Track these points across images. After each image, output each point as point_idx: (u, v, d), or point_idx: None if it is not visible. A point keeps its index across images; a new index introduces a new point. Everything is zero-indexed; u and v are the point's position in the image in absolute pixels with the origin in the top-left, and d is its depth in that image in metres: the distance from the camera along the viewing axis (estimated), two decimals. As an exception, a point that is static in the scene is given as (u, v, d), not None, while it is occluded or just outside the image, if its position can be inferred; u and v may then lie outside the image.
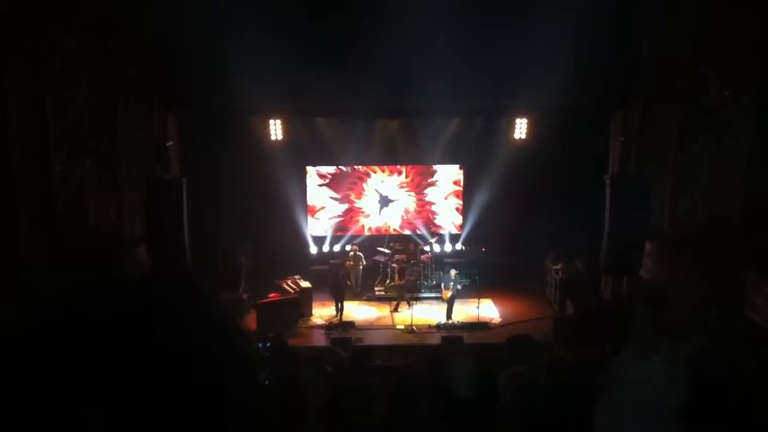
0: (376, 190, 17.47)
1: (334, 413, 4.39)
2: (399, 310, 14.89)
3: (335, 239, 17.52)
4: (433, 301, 15.43)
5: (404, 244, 16.92)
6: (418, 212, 17.66)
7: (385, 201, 17.52)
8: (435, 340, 12.90)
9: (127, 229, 11.53)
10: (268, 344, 7.86)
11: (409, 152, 17.06)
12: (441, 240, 17.51)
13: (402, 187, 17.52)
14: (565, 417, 3.52)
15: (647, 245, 11.79)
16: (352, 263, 16.10)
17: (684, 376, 2.38)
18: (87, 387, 0.84)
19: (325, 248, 17.42)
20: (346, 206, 17.52)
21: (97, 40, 10.32)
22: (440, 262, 16.62)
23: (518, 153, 15.69)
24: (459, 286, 14.57)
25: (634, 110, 12.56)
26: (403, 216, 17.66)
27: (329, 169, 17.32)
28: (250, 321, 13.11)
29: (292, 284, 14.96)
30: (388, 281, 15.99)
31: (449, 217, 17.66)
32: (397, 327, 13.95)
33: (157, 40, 11.56)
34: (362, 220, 17.63)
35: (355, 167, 17.34)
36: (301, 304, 14.47)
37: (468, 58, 11.67)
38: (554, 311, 14.53)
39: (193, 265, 11.75)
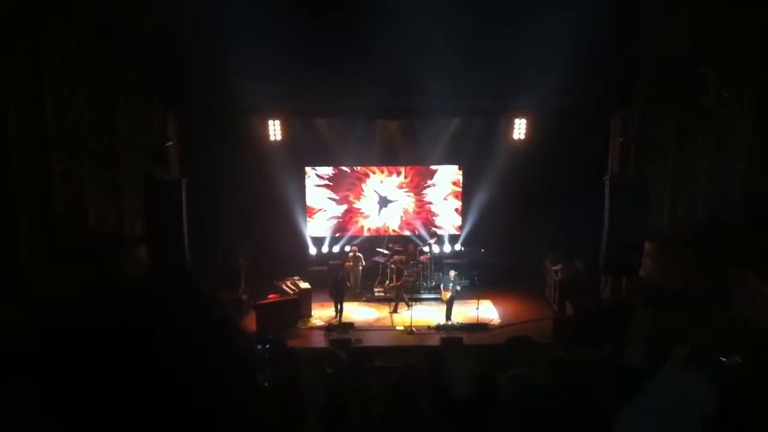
0: (375, 191, 17.47)
1: (333, 414, 4.38)
2: (398, 311, 14.88)
3: (334, 240, 17.52)
4: (433, 302, 15.42)
5: (403, 245, 16.91)
6: (417, 213, 17.66)
7: (384, 202, 17.51)
8: (434, 341, 12.90)
9: (126, 229, 11.52)
10: (267, 345, 7.85)
11: (408, 153, 17.07)
12: (440, 241, 17.51)
13: (401, 187, 17.53)
14: (565, 417, 3.52)
15: (647, 245, 11.80)
16: (351, 264, 16.10)
17: (714, 388, 2.38)
18: (87, 387, 0.84)
19: (324, 249, 17.43)
20: (345, 207, 17.51)
21: (96, 40, 10.31)
22: (439, 262, 16.63)
23: (518, 153, 15.69)
24: (458, 287, 14.56)
25: (634, 110, 12.57)
26: (402, 217, 17.66)
27: (328, 170, 17.32)
28: (250, 322, 13.10)
29: (291, 285, 14.96)
30: (387, 282, 15.99)
31: (448, 217, 17.66)
32: (397, 328, 13.94)
33: (156, 40, 11.55)
34: (361, 221, 17.63)
35: (354, 168, 17.34)
36: (301, 305, 14.47)
37: (468, 58, 11.68)
38: (554, 312, 14.53)
39: (192, 266, 11.76)
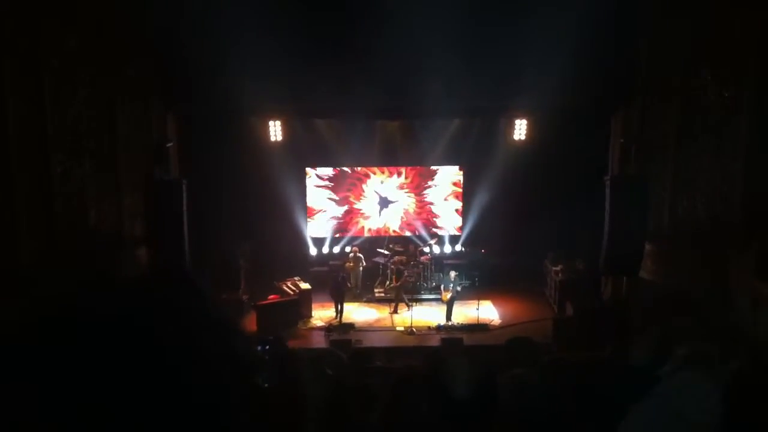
0: (376, 192, 17.46)
1: (333, 415, 4.38)
2: (398, 311, 14.88)
3: (335, 240, 17.51)
4: (433, 303, 15.41)
5: (404, 246, 16.90)
6: (417, 213, 17.65)
7: (384, 202, 17.51)
8: (435, 341, 12.89)
9: (126, 229, 11.52)
10: (267, 346, 7.85)
11: (408, 153, 17.07)
12: (440, 241, 17.50)
13: (401, 188, 17.52)
14: (565, 418, 3.52)
15: (647, 246, 11.80)
16: (352, 264, 16.09)
17: (716, 389, 2.39)
18: (87, 387, 0.84)
19: (325, 250, 17.42)
20: (345, 208, 17.51)
21: (96, 40, 10.31)
22: (440, 263, 16.62)
23: (518, 154, 15.68)
24: (458, 288, 14.55)
25: (634, 110, 12.57)
26: (402, 217, 17.66)
27: (328, 171, 17.32)
28: (250, 322, 13.09)
29: (291, 286, 14.95)
30: (387, 283, 15.99)
31: (449, 218, 17.65)
32: (397, 328, 13.93)
33: (156, 40, 11.55)
34: (362, 222, 17.62)
35: (355, 168, 17.34)
36: (301, 305, 14.46)
37: (468, 59, 11.68)
38: (554, 312, 14.52)
39: (192, 266, 11.75)
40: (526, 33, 10.94)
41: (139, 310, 0.96)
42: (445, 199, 17.56)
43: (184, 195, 11.63)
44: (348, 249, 16.90)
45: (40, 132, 9.07)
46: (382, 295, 15.89)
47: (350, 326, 13.90)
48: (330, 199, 17.41)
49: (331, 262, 16.75)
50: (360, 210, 17.55)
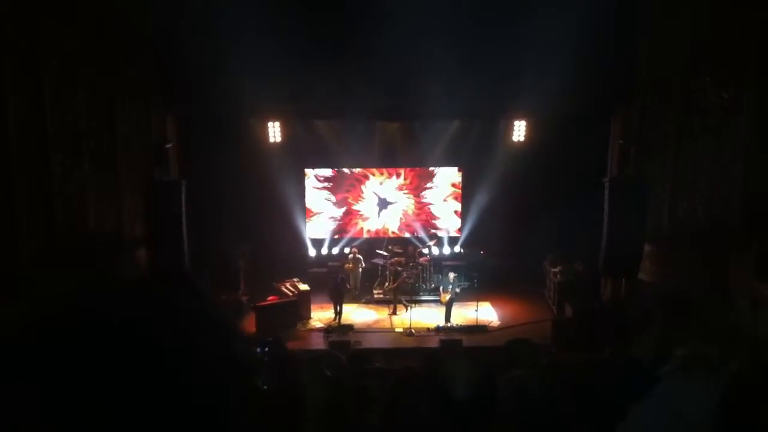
0: (375, 193, 17.46)
1: (332, 416, 4.38)
2: (397, 313, 14.87)
3: (334, 242, 17.51)
4: (432, 304, 15.41)
5: (403, 247, 16.90)
6: (416, 215, 17.65)
7: (383, 203, 17.51)
8: (434, 343, 12.88)
9: (126, 230, 11.52)
10: (266, 348, 7.85)
11: (408, 154, 17.08)
12: (440, 243, 17.50)
13: (400, 189, 17.52)
14: (564, 419, 3.52)
15: (646, 247, 11.81)
16: (351, 266, 16.09)
17: (715, 390, 2.38)
18: (87, 387, 0.84)
19: (324, 251, 17.42)
20: (344, 209, 17.51)
21: (96, 40, 10.32)
22: (439, 264, 16.60)
23: (517, 155, 15.70)
24: (457, 289, 14.53)
25: (634, 111, 12.57)
26: (401, 219, 17.66)
27: (328, 172, 17.31)
28: (249, 323, 13.08)
29: (290, 287, 14.94)
30: (386, 284, 15.98)
31: (448, 219, 17.65)
32: (396, 330, 13.92)
33: (156, 40, 11.56)
34: (361, 223, 17.62)
35: (353, 170, 17.33)
36: (300, 306, 14.45)
37: (468, 59, 11.68)
38: (553, 314, 14.52)
39: (191, 267, 11.75)
40: (526, 33, 10.95)
41: (139, 311, 0.96)
42: (445, 200, 17.57)
43: (184, 196, 11.64)
44: (347, 250, 16.89)
45: (40, 132, 9.08)
46: (381, 296, 15.88)
47: (349, 327, 13.89)
48: (329, 200, 17.41)
49: (330, 264, 16.75)
50: (359, 211, 17.55)
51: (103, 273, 9.24)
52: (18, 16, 8.60)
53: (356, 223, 17.60)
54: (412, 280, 15.81)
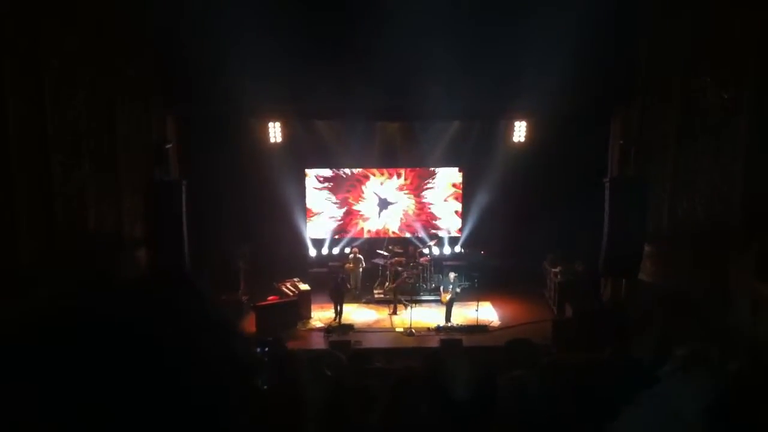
0: (375, 193, 17.45)
1: (333, 416, 4.38)
2: (398, 312, 14.87)
3: (334, 242, 17.51)
4: (432, 304, 15.41)
5: (403, 247, 16.89)
6: (417, 215, 17.65)
7: (384, 204, 17.51)
8: (434, 342, 12.87)
9: (126, 230, 11.52)
10: (266, 348, 7.85)
11: (408, 155, 17.07)
12: (440, 243, 17.50)
13: (401, 189, 17.52)
14: (564, 419, 3.52)
15: (646, 247, 11.80)
16: (351, 266, 16.08)
17: (712, 391, 2.39)
18: (87, 387, 0.84)
19: (324, 251, 17.41)
20: (344, 209, 17.50)
21: (96, 40, 10.31)
22: (439, 264, 16.60)
23: (517, 156, 15.70)
24: (458, 289, 14.53)
25: (634, 111, 12.57)
26: (402, 219, 17.65)
27: (328, 172, 17.31)
28: (249, 323, 13.08)
29: (291, 287, 14.94)
30: (387, 284, 15.98)
31: (448, 219, 17.65)
32: (396, 330, 13.91)
33: (156, 40, 11.56)
34: (361, 223, 17.61)
35: (354, 170, 17.33)
36: (300, 306, 14.44)
37: (468, 59, 11.68)
38: (553, 314, 14.51)
39: (191, 267, 11.75)
40: (526, 33, 10.95)
41: (139, 311, 0.95)
42: (445, 200, 17.57)
43: (184, 196, 11.64)
44: (347, 250, 16.89)
45: (40, 132, 9.08)
46: (382, 296, 15.87)
47: (349, 327, 13.89)
48: (329, 200, 17.41)
49: (330, 264, 16.75)
50: (359, 211, 17.55)
51: (103, 273, 9.24)
52: (18, 16, 8.60)
53: (357, 224, 17.59)
54: (412, 280, 15.80)
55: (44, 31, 9.13)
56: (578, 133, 13.79)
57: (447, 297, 14.25)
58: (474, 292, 15.32)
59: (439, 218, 17.67)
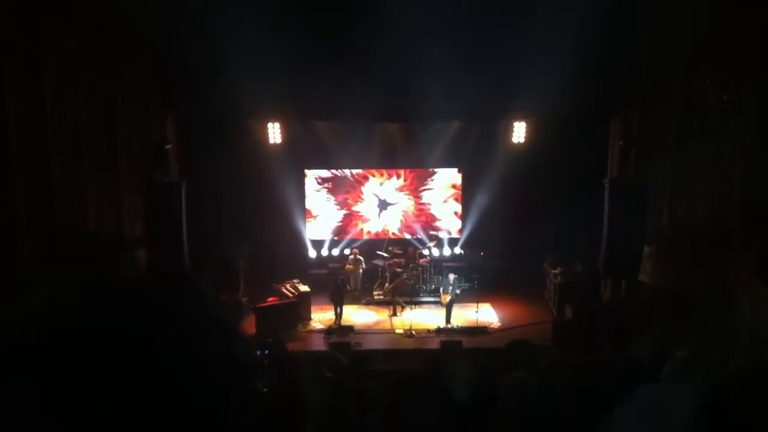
0: (375, 194, 17.45)
1: (333, 417, 4.38)
2: (397, 314, 14.86)
3: (334, 243, 17.50)
4: (432, 306, 15.40)
5: (403, 248, 16.89)
6: (416, 216, 17.64)
7: (383, 204, 17.50)
8: (434, 344, 12.85)
9: (126, 231, 11.52)
10: (266, 351, 7.86)
11: (408, 156, 17.07)
12: (440, 244, 17.48)
13: (400, 190, 17.51)
14: (564, 420, 3.52)
15: (646, 248, 11.80)
16: (351, 267, 16.08)
17: (701, 397, 2.39)
18: (87, 387, 0.84)
19: (324, 252, 17.40)
20: (344, 210, 17.49)
21: (96, 40, 10.32)
22: (439, 266, 16.60)
23: (517, 157, 15.68)
24: (458, 290, 14.52)
25: (634, 112, 12.56)
26: (401, 220, 17.65)
27: (328, 173, 17.30)
28: (249, 325, 13.07)
29: (290, 288, 14.94)
30: (386, 285, 15.98)
31: (448, 220, 17.65)
32: (396, 331, 13.90)
33: (156, 40, 11.56)
34: (361, 224, 17.61)
35: (353, 171, 17.32)
36: (300, 308, 14.43)
37: (468, 59, 11.68)
38: (553, 315, 14.50)
39: (191, 268, 11.74)
40: (526, 33, 10.95)
41: (139, 312, 0.95)
42: (445, 201, 17.56)
43: (184, 197, 11.63)
44: (347, 251, 16.89)
45: (40, 132, 9.08)
46: (382, 297, 15.86)
47: (349, 329, 13.87)
48: (329, 201, 17.40)
49: (330, 265, 16.74)
50: (359, 212, 17.54)
51: (103, 273, 9.24)
52: (18, 16, 8.61)
53: (356, 225, 17.58)
54: (412, 281, 15.80)
55: (44, 31, 9.13)
56: (578, 134, 13.79)
57: (447, 298, 14.24)
58: (474, 294, 15.31)
59: (439, 219, 17.67)
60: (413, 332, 13.62)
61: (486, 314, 14.66)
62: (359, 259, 16.20)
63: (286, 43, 10.97)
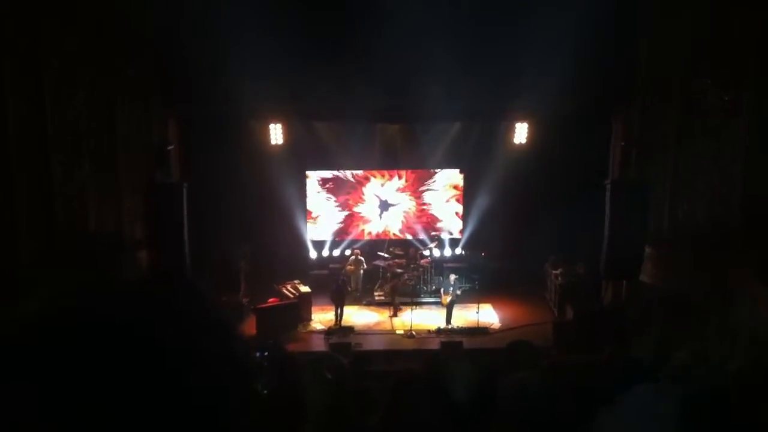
0: (376, 195, 17.44)
1: (333, 418, 4.37)
2: (398, 314, 14.85)
3: (335, 243, 17.49)
4: (433, 306, 15.40)
5: (404, 249, 16.89)
6: (418, 217, 17.64)
7: (384, 205, 17.49)
8: (434, 345, 12.85)
9: (127, 231, 11.52)
10: (266, 353, 7.85)
11: (409, 156, 17.06)
12: (441, 244, 17.47)
13: (402, 191, 17.50)
14: (564, 421, 3.52)
15: (647, 249, 11.80)
16: (352, 267, 16.08)
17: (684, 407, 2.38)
18: (87, 387, 0.84)
19: (325, 253, 17.39)
20: (345, 211, 17.48)
21: (96, 40, 10.32)
22: (440, 266, 16.59)
23: (518, 157, 15.66)
24: (458, 291, 14.53)
25: (634, 112, 12.57)
26: (402, 221, 17.64)
27: (329, 174, 17.29)
28: (250, 325, 13.07)
29: (291, 289, 14.93)
30: (386, 286, 15.97)
31: (449, 221, 17.64)
32: (397, 332, 13.90)
33: (156, 40, 11.56)
34: (362, 225, 17.60)
35: (355, 172, 17.32)
36: (301, 308, 14.43)
37: (468, 59, 11.68)
38: (554, 316, 14.50)
39: (192, 269, 11.75)
40: (526, 33, 10.96)
41: (139, 312, 0.95)
42: (447, 202, 17.55)
43: (185, 198, 11.63)
44: (348, 252, 16.88)
45: (40, 132, 9.08)
46: (382, 298, 15.86)
47: (350, 329, 13.87)
48: (330, 202, 17.40)
49: (331, 266, 16.73)
50: (360, 213, 17.53)
51: (103, 274, 9.25)
52: (18, 16, 8.60)
53: (357, 225, 17.57)
54: (412, 282, 15.80)
55: (44, 31, 9.13)
56: (579, 135, 13.78)
57: (447, 299, 14.25)
58: (475, 294, 15.29)
59: (440, 220, 17.66)
60: (414, 333, 13.62)
61: (487, 315, 14.66)
62: (360, 259, 16.20)
63: (286, 43, 10.97)
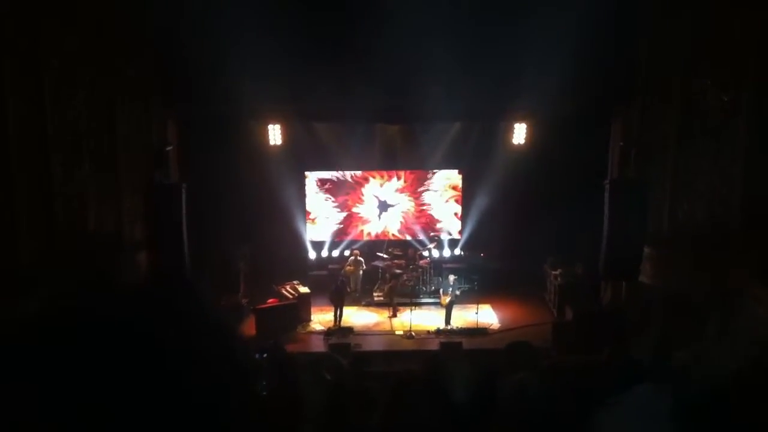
0: (375, 195, 17.44)
1: (333, 419, 4.37)
2: (397, 315, 14.84)
3: (334, 244, 17.49)
4: (432, 307, 15.40)
5: (403, 250, 16.89)
6: (417, 217, 17.63)
7: (384, 206, 17.49)
8: (434, 345, 12.85)
9: (126, 232, 11.51)
10: (265, 354, 7.83)
11: (408, 157, 17.06)
12: (440, 245, 17.46)
13: (401, 192, 17.50)
14: (563, 421, 3.51)
15: (646, 249, 11.80)
16: (352, 268, 16.07)
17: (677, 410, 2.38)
18: (87, 387, 0.83)
19: (324, 253, 17.39)
20: (344, 211, 17.48)
21: (96, 40, 10.31)
22: (439, 267, 16.59)
23: (517, 158, 15.66)
24: (458, 292, 14.53)
25: (634, 112, 12.56)
26: (401, 221, 17.64)
27: (328, 175, 17.28)
28: (249, 326, 13.07)
29: (290, 290, 14.92)
30: (385, 287, 15.96)
31: (448, 222, 17.64)
32: (396, 332, 13.89)
33: (156, 40, 11.55)
34: (361, 226, 17.59)
35: (354, 172, 17.31)
36: (300, 309, 14.42)
37: (468, 59, 11.68)
38: (553, 316, 14.50)
39: (191, 270, 11.74)
40: (526, 33, 10.95)
41: (139, 313, 0.95)
42: (446, 202, 17.55)
43: (184, 199, 11.63)
44: (347, 253, 16.88)
45: (40, 132, 9.08)
46: (382, 298, 15.85)
47: (349, 330, 13.87)
48: (329, 203, 17.39)
49: (330, 266, 16.73)
50: (359, 214, 17.53)
51: (103, 274, 9.25)
52: (18, 16, 8.60)
53: (357, 226, 17.57)
54: (412, 283, 15.80)
55: (44, 31, 9.12)
56: (578, 135, 13.78)
57: (447, 299, 14.24)
58: (474, 295, 15.29)
59: (439, 221, 17.66)
60: (413, 333, 13.61)
61: (486, 315, 14.66)
62: (359, 260, 16.19)
63: (286, 43, 10.96)
